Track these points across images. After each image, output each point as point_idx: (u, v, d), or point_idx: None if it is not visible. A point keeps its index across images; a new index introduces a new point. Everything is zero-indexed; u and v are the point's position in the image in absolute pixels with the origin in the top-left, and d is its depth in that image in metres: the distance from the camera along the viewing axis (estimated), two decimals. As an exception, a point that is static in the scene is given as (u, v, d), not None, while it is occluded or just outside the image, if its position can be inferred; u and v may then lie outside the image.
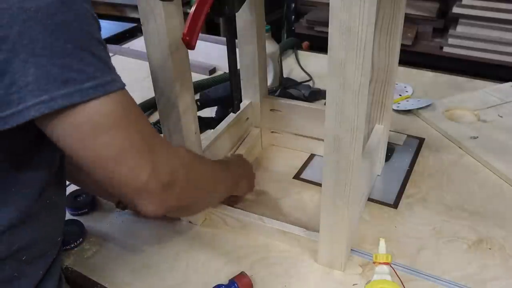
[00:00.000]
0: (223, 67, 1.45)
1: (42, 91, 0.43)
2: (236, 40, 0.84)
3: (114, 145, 0.49)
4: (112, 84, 0.48)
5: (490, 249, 0.79)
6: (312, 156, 1.05)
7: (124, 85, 0.50)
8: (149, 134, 0.54)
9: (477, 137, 1.07)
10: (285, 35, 2.56)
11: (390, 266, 0.68)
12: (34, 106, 0.44)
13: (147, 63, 0.72)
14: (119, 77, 0.50)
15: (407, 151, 1.05)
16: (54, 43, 0.43)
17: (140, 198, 0.53)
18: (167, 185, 0.54)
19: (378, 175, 0.99)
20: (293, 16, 2.56)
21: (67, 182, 0.71)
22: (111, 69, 0.49)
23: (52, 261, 0.64)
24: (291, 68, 1.47)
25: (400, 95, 1.27)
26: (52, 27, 0.43)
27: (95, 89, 0.46)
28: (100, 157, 0.49)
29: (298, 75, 1.42)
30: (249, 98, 1.02)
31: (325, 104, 0.61)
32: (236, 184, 0.83)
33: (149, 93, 1.05)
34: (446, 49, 2.14)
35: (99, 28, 0.49)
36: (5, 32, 0.42)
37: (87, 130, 0.47)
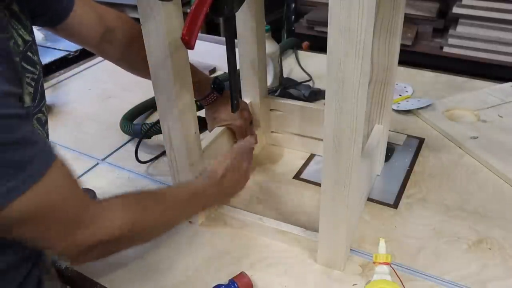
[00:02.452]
0: (223, 67, 1.45)
1: None
2: (236, 40, 0.84)
3: (31, 235, 0.53)
4: (22, 183, 0.46)
5: (490, 249, 0.79)
6: (312, 156, 1.05)
7: (45, 166, 0.49)
8: (69, 215, 0.54)
9: (477, 137, 1.07)
10: (285, 35, 2.56)
11: (390, 266, 0.68)
12: None
13: (147, 63, 0.72)
14: (42, 157, 0.49)
15: (407, 151, 1.05)
16: None
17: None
18: (90, 251, 0.58)
19: (378, 175, 0.99)
20: (293, 16, 2.56)
21: None
22: (23, 164, 0.46)
23: (25, 274, 0.64)
24: (291, 68, 1.47)
25: (400, 95, 1.27)
26: None
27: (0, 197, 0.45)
28: (23, 239, 0.53)
29: (298, 75, 1.42)
30: (249, 98, 1.02)
31: (324, 104, 0.61)
32: (214, 198, 0.80)
33: (149, 93, 1.05)
34: (446, 49, 2.14)
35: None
36: None
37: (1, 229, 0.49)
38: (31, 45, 0.64)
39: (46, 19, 0.74)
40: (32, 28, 0.66)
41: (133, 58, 0.85)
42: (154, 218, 0.66)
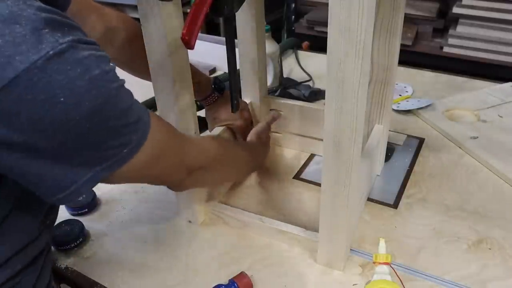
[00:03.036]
0: (223, 67, 1.45)
1: (87, 170, 0.51)
2: (236, 40, 0.84)
3: (153, 178, 0.64)
4: (142, 136, 0.54)
5: (490, 249, 0.79)
6: (312, 156, 1.05)
7: (148, 119, 0.56)
8: (178, 149, 0.64)
9: (477, 137, 1.07)
10: (285, 35, 2.56)
11: (390, 266, 0.68)
12: (84, 184, 0.51)
13: (147, 63, 0.72)
14: (144, 114, 0.55)
15: (407, 151, 1.05)
16: (90, 136, 0.48)
17: (176, 188, 0.72)
18: (195, 178, 0.69)
19: (378, 175, 0.99)
20: (293, 16, 2.56)
21: None
22: (139, 119, 0.54)
23: (40, 268, 0.64)
24: (291, 68, 1.47)
25: (400, 95, 1.27)
26: (95, 123, 0.48)
27: (132, 151, 0.53)
28: (146, 181, 0.64)
29: (298, 75, 1.42)
30: (249, 98, 1.02)
31: (324, 104, 0.61)
32: (254, 163, 0.93)
33: (149, 93, 1.05)
34: (446, 49, 2.14)
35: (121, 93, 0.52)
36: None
37: (129, 178, 0.58)
38: None
39: None
40: None
41: (134, 59, 0.84)
42: (233, 153, 0.82)
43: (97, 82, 0.47)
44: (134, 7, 0.72)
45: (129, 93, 0.54)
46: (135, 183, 0.69)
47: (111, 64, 0.52)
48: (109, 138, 0.50)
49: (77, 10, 0.76)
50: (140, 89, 1.22)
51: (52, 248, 0.83)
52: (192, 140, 0.72)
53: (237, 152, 0.84)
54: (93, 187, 0.52)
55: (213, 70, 1.47)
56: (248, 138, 0.93)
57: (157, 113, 0.78)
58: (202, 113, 0.95)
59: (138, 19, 0.69)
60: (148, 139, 0.55)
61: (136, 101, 0.55)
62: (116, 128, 0.51)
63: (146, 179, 0.63)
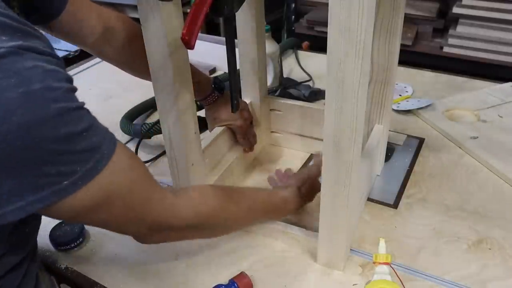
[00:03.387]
0: (223, 67, 1.45)
1: (17, 197, 0.45)
2: (236, 40, 0.84)
3: (104, 224, 0.57)
4: (93, 169, 0.48)
5: (490, 249, 0.79)
6: (312, 156, 1.05)
7: (110, 153, 0.50)
8: (140, 201, 0.57)
9: (477, 137, 1.07)
10: (285, 35, 2.56)
11: (390, 266, 0.68)
12: (11, 212, 0.45)
13: (147, 63, 0.72)
14: (107, 146, 0.50)
15: (407, 151, 1.05)
16: (22, 156, 0.43)
17: (140, 241, 0.64)
18: (170, 236, 0.65)
19: (378, 175, 0.99)
20: (293, 16, 2.56)
21: None
22: (93, 149, 0.48)
23: (24, 272, 0.63)
24: (291, 68, 1.47)
25: (400, 95, 1.27)
26: (27, 142, 0.43)
27: (74, 185, 0.47)
28: (98, 226, 0.58)
29: (298, 75, 1.42)
30: (249, 98, 1.02)
31: (324, 104, 0.61)
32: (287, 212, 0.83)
33: (149, 93, 1.05)
34: (446, 49, 2.14)
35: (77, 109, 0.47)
36: None
37: (74, 218, 0.52)
38: None
39: (38, 17, 0.72)
40: None
41: (133, 59, 0.84)
42: (227, 215, 0.70)
43: (33, 97, 0.42)
44: (134, 7, 0.72)
45: (87, 118, 0.49)
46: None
47: (66, 83, 0.47)
48: (44, 163, 0.44)
49: (75, 10, 0.76)
50: (140, 89, 1.23)
51: (52, 248, 0.83)
52: (167, 197, 0.61)
53: (251, 207, 0.75)
54: (21, 216, 0.46)
55: (213, 70, 1.47)
56: (292, 181, 0.84)
57: (157, 113, 0.78)
58: (202, 113, 0.95)
59: (138, 19, 0.69)
60: (101, 175, 0.49)
61: (101, 128, 0.50)
62: (55, 153, 0.45)
63: (96, 223, 0.56)
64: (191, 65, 0.76)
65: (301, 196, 0.82)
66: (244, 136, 0.98)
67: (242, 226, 0.80)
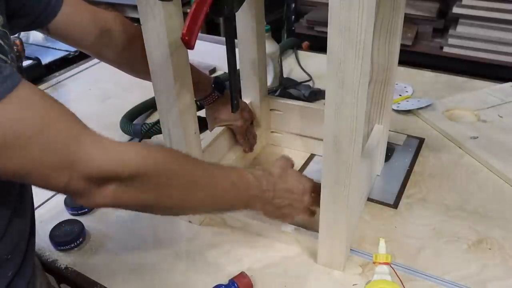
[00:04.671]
0: (223, 67, 1.45)
1: None
2: (236, 40, 0.84)
3: (23, 170, 0.47)
4: None
5: (490, 249, 0.79)
6: (312, 156, 1.05)
7: (15, 82, 0.45)
8: (65, 138, 0.49)
9: (477, 137, 1.07)
10: (285, 35, 2.56)
11: (390, 266, 0.68)
12: None
13: (147, 63, 0.72)
14: (9, 78, 0.45)
15: (407, 151, 1.05)
16: None
17: (81, 200, 0.52)
18: (94, 184, 0.51)
19: (378, 175, 0.99)
20: (293, 16, 2.56)
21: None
22: None
23: (21, 260, 0.63)
24: (291, 68, 1.47)
25: (400, 95, 1.27)
26: None
27: None
28: (12, 172, 0.48)
29: (298, 75, 1.42)
30: (249, 98, 1.02)
31: (324, 104, 0.61)
32: (252, 203, 0.71)
33: (149, 93, 1.05)
34: (446, 49, 2.13)
35: None
36: None
37: None
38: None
39: (32, 19, 0.73)
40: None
41: (132, 60, 0.84)
42: (185, 172, 0.60)
43: None
44: (134, 7, 0.72)
45: None
46: None
47: None
48: None
49: (70, 12, 0.76)
50: (140, 89, 1.23)
51: (52, 248, 0.83)
52: (103, 139, 0.53)
53: (215, 174, 0.65)
54: None
55: (213, 70, 1.47)
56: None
57: (157, 113, 0.78)
58: (202, 113, 0.95)
59: (138, 19, 0.69)
60: (8, 99, 0.43)
61: (6, 67, 0.46)
62: None
63: (13, 172, 0.47)
64: (191, 65, 0.76)
65: (274, 185, 0.71)
66: (244, 136, 0.98)
67: (204, 195, 0.63)
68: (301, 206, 0.76)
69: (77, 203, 0.57)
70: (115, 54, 0.84)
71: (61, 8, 0.75)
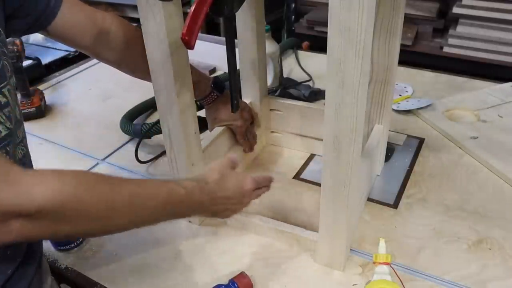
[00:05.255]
0: (223, 67, 1.45)
1: None
2: (236, 40, 0.84)
3: None
4: None
5: (490, 249, 0.79)
6: (312, 156, 1.05)
7: None
8: None
9: (477, 137, 1.07)
10: (285, 35, 2.56)
11: (390, 266, 0.68)
12: None
13: (147, 63, 0.72)
14: None
15: (407, 151, 1.05)
16: None
17: None
18: (14, 224, 0.48)
19: (378, 175, 0.99)
20: (293, 16, 2.56)
21: None
22: None
23: (21, 259, 0.63)
24: (291, 68, 1.47)
25: (400, 95, 1.27)
26: None
27: None
28: None
29: (298, 75, 1.42)
30: (249, 98, 1.02)
31: (324, 104, 0.61)
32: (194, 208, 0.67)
33: (149, 93, 1.05)
34: (446, 49, 2.13)
35: None
36: None
37: None
38: None
39: (33, 21, 0.73)
40: None
41: (132, 60, 0.84)
42: (101, 197, 0.54)
43: None
44: (134, 7, 0.72)
45: None
46: None
47: None
48: None
49: (69, 13, 0.76)
50: (140, 89, 1.22)
51: (52, 248, 0.83)
52: (13, 170, 0.49)
53: (135, 192, 0.58)
54: None
55: (213, 70, 1.47)
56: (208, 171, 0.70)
57: (157, 113, 0.78)
58: (202, 113, 0.95)
59: (138, 19, 0.69)
60: None
61: None
62: None
63: None
64: (190, 65, 0.76)
65: (210, 194, 0.67)
66: (244, 136, 0.98)
67: (127, 219, 0.58)
68: (241, 208, 0.73)
69: None
70: (113, 54, 0.84)
71: (60, 8, 0.75)
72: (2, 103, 0.60)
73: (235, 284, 0.72)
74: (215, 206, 0.69)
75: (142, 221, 0.61)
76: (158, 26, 0.66)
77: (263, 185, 0.74)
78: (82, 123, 1.24)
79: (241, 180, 0.71)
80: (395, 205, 0.90)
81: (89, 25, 0.80)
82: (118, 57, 0.85)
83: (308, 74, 1.41)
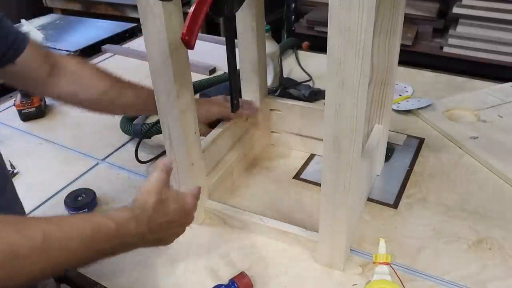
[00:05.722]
0: (223, 67, 1.45)
1: None
2: (236, 40, 0.84)
3: None
4: None
5: (490, 249, 0.79)
6: (312, 156, 1.05)
7: None
8: None
9: (477, 137, 1.07)
10: (285, 35, 2.56)
11: (390, 266, 0.68)
12: None
13: (147, 63, 0.72)
14: None
15: (407, 151, 1.05)
16: None
17: None
18: None
19: (378, 175, 0.99)
20: (293, 16, 2.56)
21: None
22: None
23: None
24: (291, 68, 1.47)
25: (400, 95, 1.27)
26: None
27: None
28: None
29: (298, 75, 1.42)
30: (249, 98, 1.02)
31: (324, 104, 0.61)
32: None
33: (149, 93, 1.05)
34: (446, 49, 2.14)
35: None
36: None
37: None
38: None
39: (1, 54, 0.73)
40: None
41: (88, 92, 0.84)
42: (6, 247, 0.46)
43: None
44: (134, 7, 0.72)
45: None
46: None
47: None
48: None
49: (31, 52, 0.77)
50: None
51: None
52: None
53: (52, 234, 0.50)
54: None
55: (213, 70, 1.47)
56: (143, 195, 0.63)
57: (157, 113, 0.78)
58: (202, 113, 0.95)
59: (138, 19, 0.69)
60: None
61: None
62: None
63: None
64: (140, 85, 0.78)
65: (150, 223, 0.61)
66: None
67: (40, 266, 0.50)
68: (184, 229, 0.68)
69: None
70: (69, 86, 0.84)
71: (26, 46, 0.76)
72: None
73: (235, 284, 0.72)
74: (157, 233, 0.62)
75: (60, 267, 0.52)
76: (158, 26, 0.66)
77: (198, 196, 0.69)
78: (82, 123, 1.24)
79: (182, 199, 0.66)
80: (395, 205, 0.90)
81: (44, 62, 0.80)
82: (71, 89, 0.84)
83: (308, 74, 1.41)
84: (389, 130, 0.98)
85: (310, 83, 1.35)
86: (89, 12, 2.87)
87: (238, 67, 0.84)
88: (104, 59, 1.60)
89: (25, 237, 0.48)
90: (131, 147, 1.12)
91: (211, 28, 2.42)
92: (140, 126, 1.08)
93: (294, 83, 1.33)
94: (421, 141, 1.09)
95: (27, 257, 0.48)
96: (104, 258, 0.58)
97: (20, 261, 0.47)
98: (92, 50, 1.72)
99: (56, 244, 0.50)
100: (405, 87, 1.31)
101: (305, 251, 0.80)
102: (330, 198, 0.68)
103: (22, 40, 0.76)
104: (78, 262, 0.56)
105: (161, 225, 0.62)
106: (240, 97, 1.02)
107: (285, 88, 1.27)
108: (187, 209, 0.66)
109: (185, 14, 0.64)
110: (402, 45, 0.86)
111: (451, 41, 2.11)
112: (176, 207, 0.64)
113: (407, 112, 1.21)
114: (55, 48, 1.67)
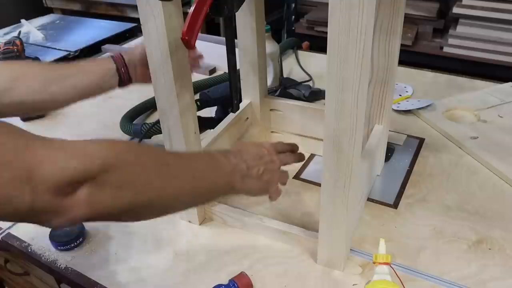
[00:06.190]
0: (223, 67, 1.45)
1: None
2: (236, 40, 0.84)
3: None
4: None
5: (490, 249, 0.79)
6: (312, 156, 1.05)
7: None
8: (17, 153, 0.43)
9: (477, 137, 1.07)
10: (285, 35, 2.57)
11: (390, 266, 0.68)
12: None
13: (147, 63, 0.72)
14: None
15: (407, 151, 1.05)
16: None
17: (41, 217, 0.45)
18: (64, 194, 0.44)
19: (378, 175, 0.99)
20: (293, 16, 2.56)
21: None
22: None
23: None
24: (291, 68, 1.47)
25: (400, 95, 1.27)
26: None
27: None
28: None
29: (298, 75, 1.42)
30: (249, 98, 1.02)
31: (324, 104, 0.61)
32: (230, 181, 0.65)
33: (149, 93, 1.05)
34: (446, 49, 2.14)
35: None
36: None
37: None
38: None
39: None
40: None
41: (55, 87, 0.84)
42: (154, 154, 0.53)
43: None
44: (134, 7, 0.72)
45: None
46: None
47: None
48: None
49: None
50: (140, 89, 1.22)
51: (52, 248, 0.83)
52: (55, 140, 0.47)
53: (179, 155, 0.59)
54: None
55: (213, 70, 1.47)
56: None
57: (157, 113, 0.78)
58: (202, 113, 0.95)
59: (138, 19, 0.69)
60: None
61: None
62: None
63: None
64: (78, 65, 0.78)
65: (237, 157, 0.66)
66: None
67: (184, 181, 0.56)
68: (275, 167, 0.72)
69: (52, 226, 0.47)
70: (35, 85, 0.83)
71: None
72: None
73: (235, 284, 0.72)
74: (253, 168, 0.67)
75: (193, 185, 0.58)
76: (158, 26, 0.66)
77: (285, 149, 0.76)
78: (82, 123, 1.24)
79: (257, 142, 0.75)
80: (395, 205, 0.90)
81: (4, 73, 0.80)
82: (37, 88, 0.83)
83: (308, 74, 1.41)
84: (389, 130, 0.98)
85: (310, 83, 1.35)
86: (89, 12, 2.87)
87: (238, 67, 0.84)
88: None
89: (168, 154, 0.58)
90: (131, 147, 1.11)
91: (211, 28, 2.42)
92: (140, 126, 1.08)
93: (294, 83, 1.33)
94: (421, 141, 1.09)
95: (174, 168, 0.55)
96: (220, 192, 0.65)
97: (171, 173, 0.54)
98: (92, 50, 1.72)
99: (188, 162, 0.58)
100: (405, 87, 1.31)
101: (305, 251, 0.80)
102: (330, 198, 0.68)
103: None
104: (203, 188, 0.61)
105: (252, 159, 0.68)
106: (240, 97, 1.02)
107: (285, 88, 1.27)
108: (268, 148, 0.72)
109: (185, 14, 0.64)
110: (402, 45, 0.86)
111: (451, 41, 2.11)
112: (256, 148, 0.71)
113: (407, 112, 1.21)
114: (55, 48, 1.67)
